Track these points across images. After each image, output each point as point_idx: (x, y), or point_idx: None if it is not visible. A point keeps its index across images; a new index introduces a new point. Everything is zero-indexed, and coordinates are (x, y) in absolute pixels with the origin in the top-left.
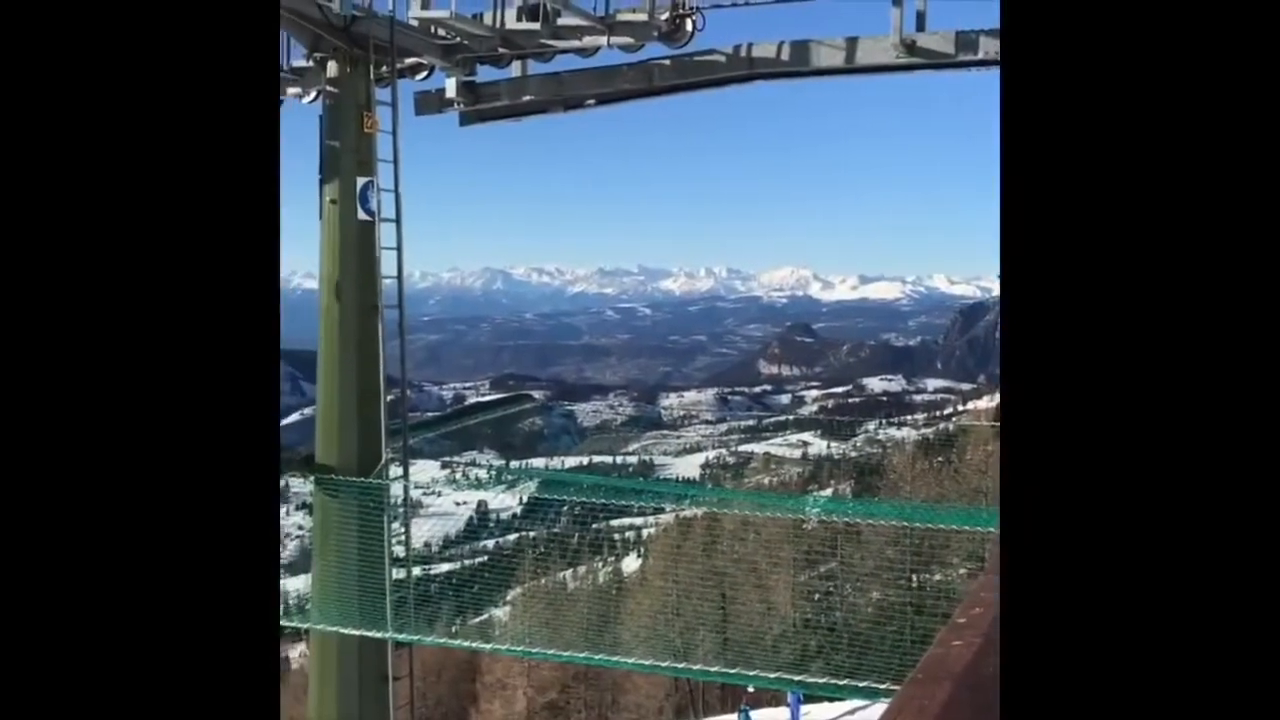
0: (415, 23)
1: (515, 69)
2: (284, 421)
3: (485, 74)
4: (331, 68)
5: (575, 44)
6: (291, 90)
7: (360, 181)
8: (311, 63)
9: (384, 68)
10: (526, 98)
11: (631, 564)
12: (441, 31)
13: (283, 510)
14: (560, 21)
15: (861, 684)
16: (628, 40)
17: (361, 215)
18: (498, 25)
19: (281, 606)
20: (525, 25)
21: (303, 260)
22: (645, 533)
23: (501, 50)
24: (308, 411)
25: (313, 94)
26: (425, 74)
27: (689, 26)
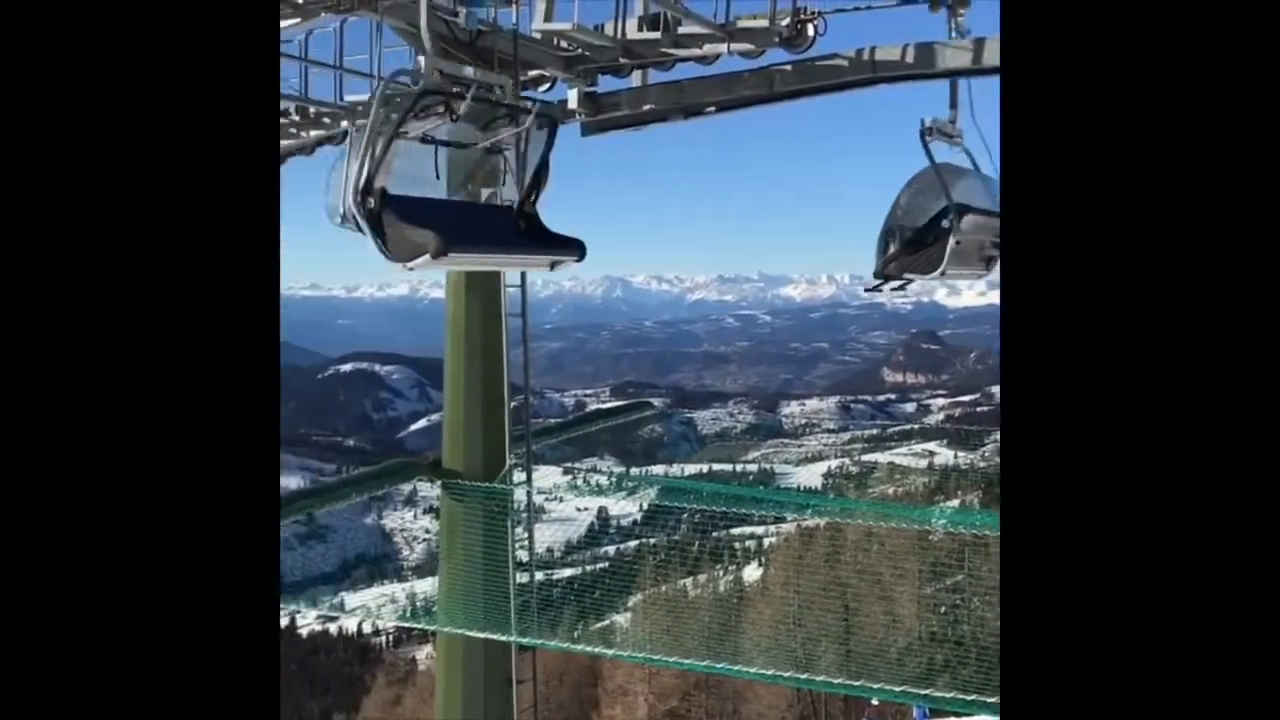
0: (538, 35)
1: (635, 78)
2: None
3: (606, 84)
4: None
5: (696, 52)
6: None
7: (485, 192)
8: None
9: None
10: (647, 106)
11: (752, 573)
12: (564, 43)
13: (411, 514)
14: (681, 30)
15: (990, 699)
16: (748, 47)
17: None
18: (619, 35)
19: (409, 608)
20: (646, 35)
21: (431, 270)
22: (766, 542)
23: (622, 60)
24: (435, 417)
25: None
26: (547, 86)
27: (810, 31)
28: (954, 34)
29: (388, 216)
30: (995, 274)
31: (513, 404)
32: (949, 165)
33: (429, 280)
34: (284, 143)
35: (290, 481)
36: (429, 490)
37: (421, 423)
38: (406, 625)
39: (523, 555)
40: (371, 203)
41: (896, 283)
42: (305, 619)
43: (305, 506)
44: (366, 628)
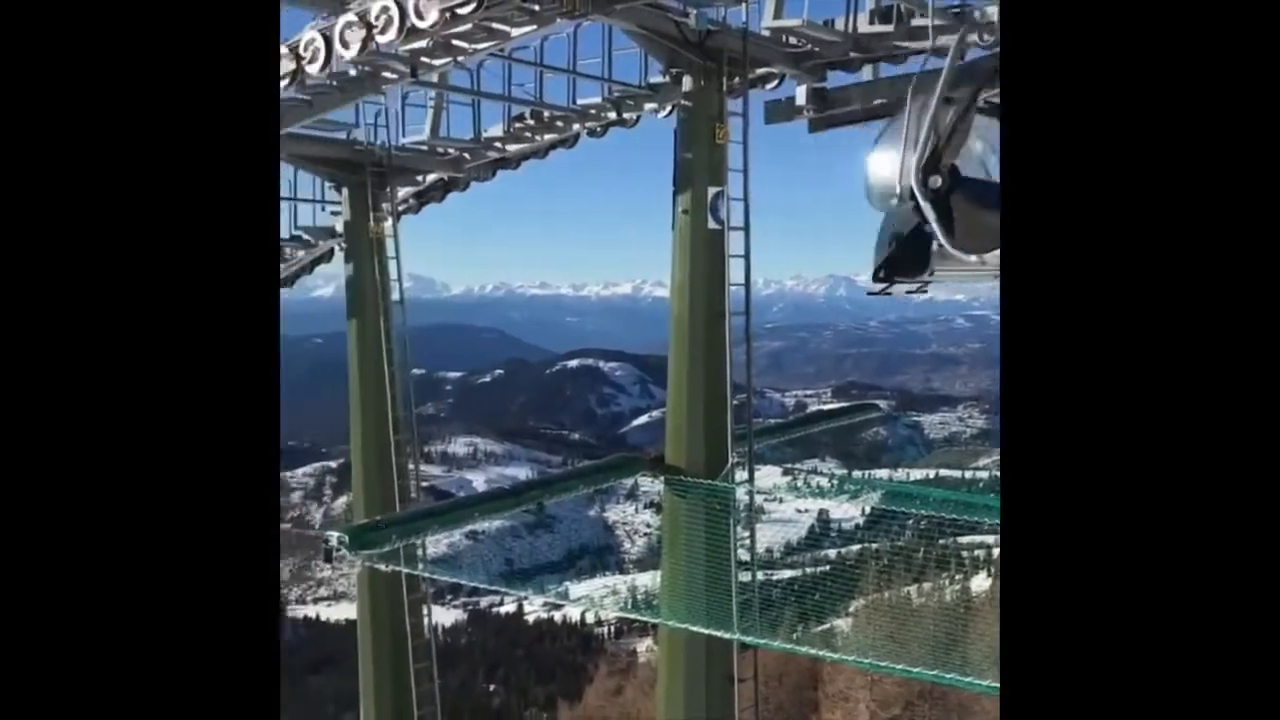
0: (767, 33)
1: (866, 72)
2: (634, 423)
3: (834, 79)
4: (686, 82)
5: (928, 44)
6: (648, 106)
7: (711, 191)
8: (668, 78)
9: (736, 79)
10: (878, 101)
11: (981, 583)
12: (793, 39)
13: (632, 508)
14: (914, 23)
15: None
16: (984, 38)
17: (711, 224)
18: (850, 30)
19: (631, 600)
20: (878, 28)
21: (654, 269)
22: (996, 552)
23: (853, 54)
24: (656, 414)
25: (668, 109)
26: (775, 83)
27: None
28: None
29: (957, 199)
30: None
31: (734, 402)
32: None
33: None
34: (516, 146)
35: (519, 472)
36: (650, 485)
37: (643, 419)
38: (628, 617)
39: (743, 554)
40: (938, 181)
41: (887, 285)
42: (532, 605)
43: (536, 497)
44: (589, 617)
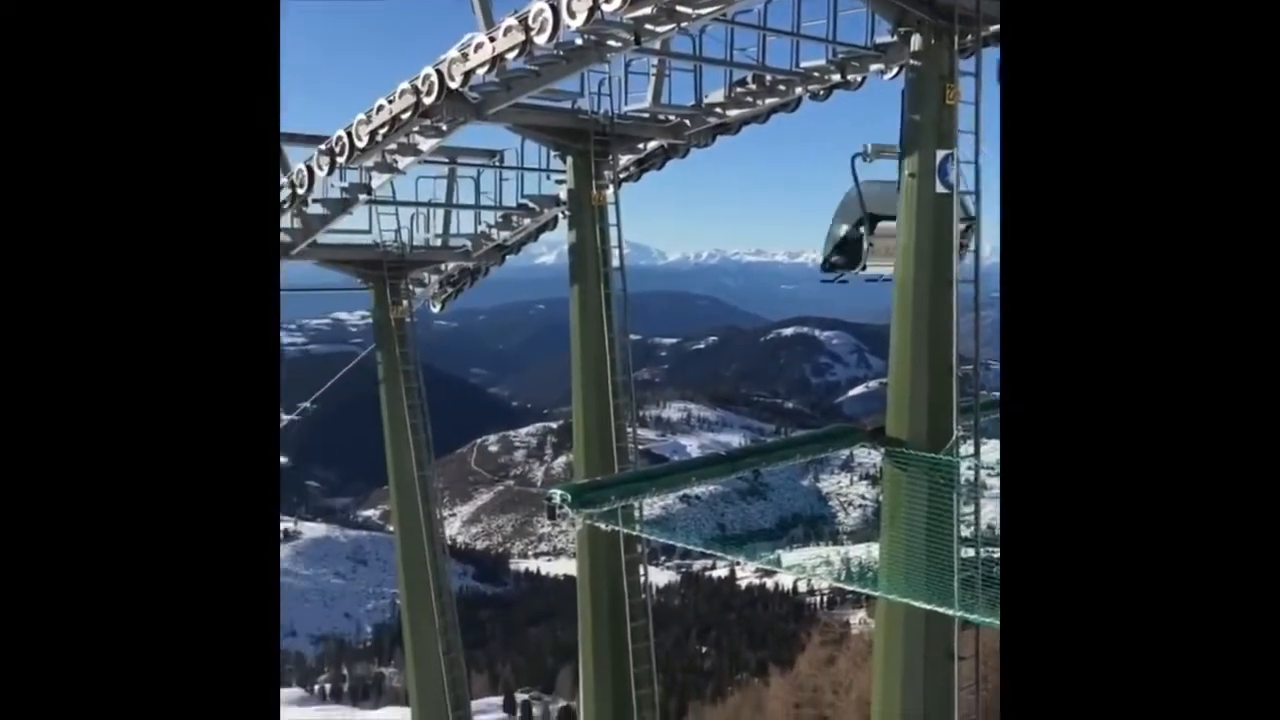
0: None
1: None
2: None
3: None
4: (915, 41)
5: None
6: (874, 67)
7: (940, 154)
8: (895, 38)
9: (968, 37)
10: None
11: None
12: None
13: (847, 479)
14: None
15: None
16: None
17: (939, 188)
18: None
19: (845, 571)
20: None
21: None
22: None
23: None
24: (873, 384)
25: (894, 70)
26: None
27: None
28: None
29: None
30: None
31: (959, 374)
32: (878, 182)
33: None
34: (737, 112)
35: (732, 439)
36: (867, 457)
37: (860, 389)
38: (842, 588)
39: (966, 530)
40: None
41: (836, 275)
42: (744, 571)
43: (752, 464)
44: (801, 586)
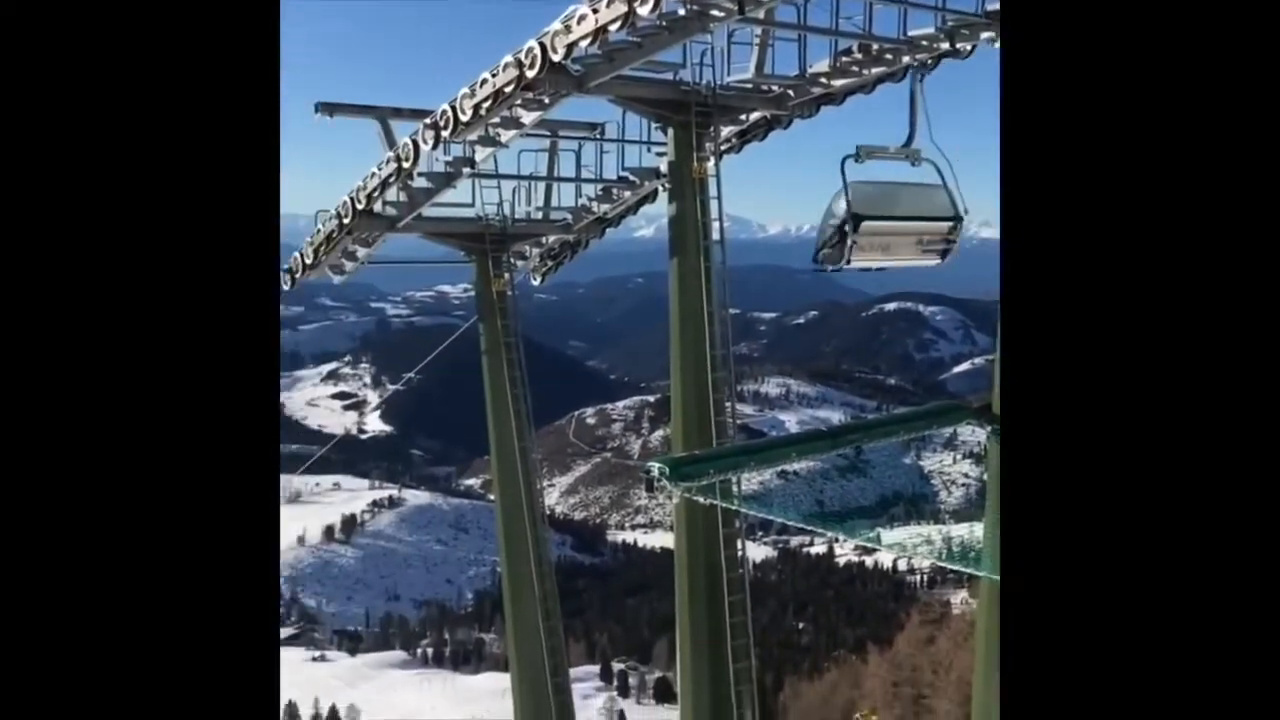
0: None
1: None
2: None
3: None
4: None
5: None
6: (984, 35)
7: None
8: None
9: None
10: None
11: None
12: None
13: (949, 457)
14: None
15: None
16: None
17: None
18: None
19: (947, 551)
20: None
21: (981, 208)
22: None
23: None
24: (978, 361)
25: None
26: None
27: None
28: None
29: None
30: None
31: None
32: (867, 183)
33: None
34: (842, 82)
35: (832, 415)
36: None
37: (965, 365)
38: (945, 567)
39: None
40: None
41: (830, 267)
42: (842, 548)
43: (854, 440)
44: (900, 564)
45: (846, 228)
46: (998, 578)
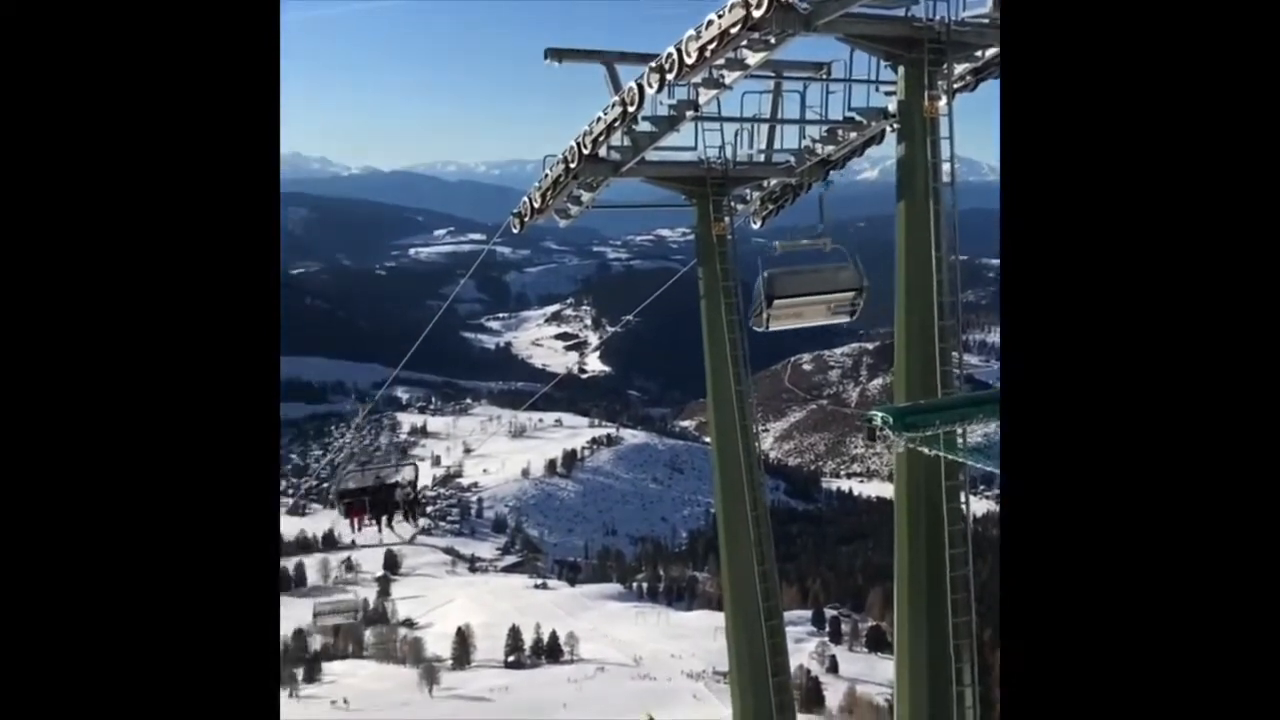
0: None
1: None
2: None
3: None
4: None
5: None
6: None
7: None
8: None
9: None
10: None
11: None
12: None
13: None
14: None
15: None
16: None
17: None
18: None
19: None
20: None
21: None
22: None
23: None
24: None
25: None
26: None
27: None
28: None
29: (774, 304)
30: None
31: None
32: (783, 270)
33: None
34: None
35: None
36: None
37: None
38: None
39: None
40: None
41: (758, 328)
42: None
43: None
44: None
45: (764, 307)
46: None
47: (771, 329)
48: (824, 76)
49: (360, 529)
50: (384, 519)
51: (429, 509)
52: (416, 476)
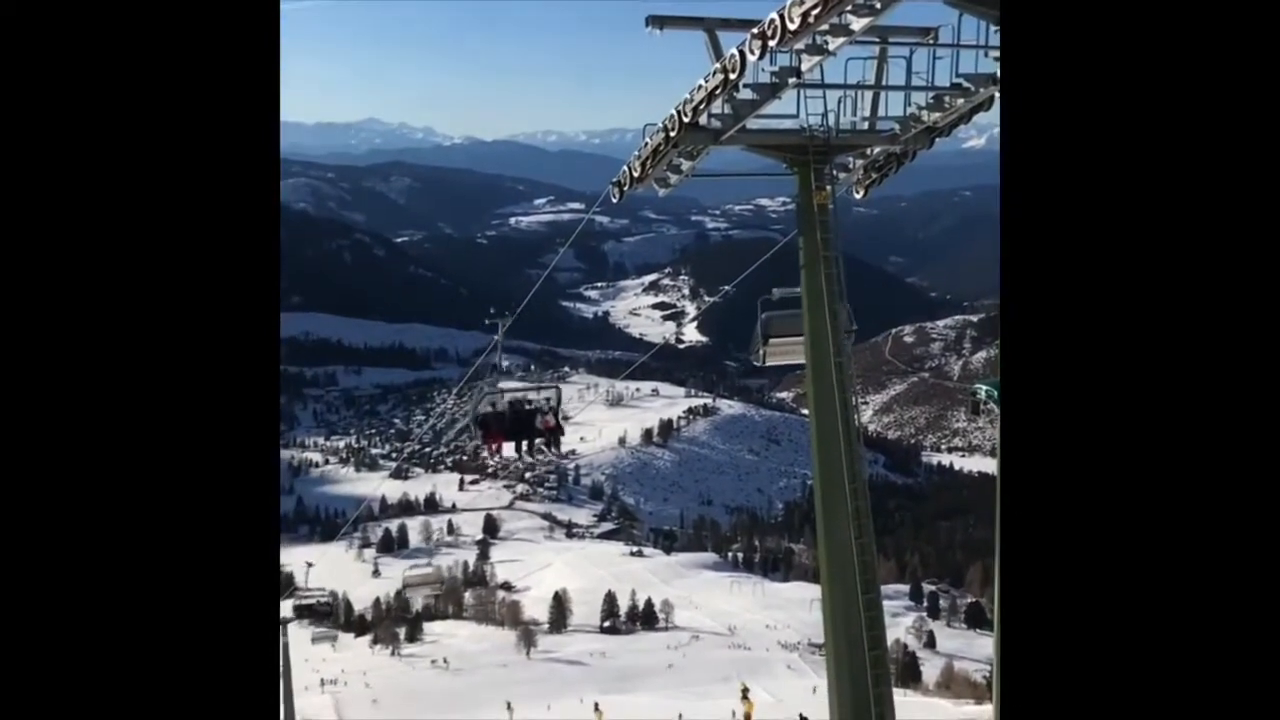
0: None
1: None
2: None
3: None
4: None
5: None
6: None
7: None
8: None
9: None
10: None
11: None
12: None
13: None
14: None
15: None
16: None
17: None
18: None
19: None
20: None
21: None
22: None
23: None
24: None
25: None
26: None
27: None
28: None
29: (770, 343)
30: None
31: None
32: (778, 313)
33: None
34: None
35: None
36: None
37: None
38: None
39: None
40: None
41: (757, 363)
42: None
43: None
44: None
45: (761, 346)
46: None
47: (769, 364)
48: (931, 41)
49: (498, 454)
50: (524, 444)
51: (533, 467)
52: (559, 399)
